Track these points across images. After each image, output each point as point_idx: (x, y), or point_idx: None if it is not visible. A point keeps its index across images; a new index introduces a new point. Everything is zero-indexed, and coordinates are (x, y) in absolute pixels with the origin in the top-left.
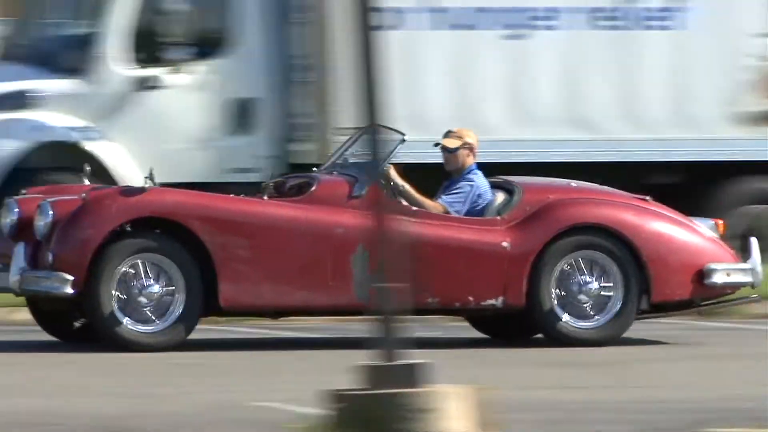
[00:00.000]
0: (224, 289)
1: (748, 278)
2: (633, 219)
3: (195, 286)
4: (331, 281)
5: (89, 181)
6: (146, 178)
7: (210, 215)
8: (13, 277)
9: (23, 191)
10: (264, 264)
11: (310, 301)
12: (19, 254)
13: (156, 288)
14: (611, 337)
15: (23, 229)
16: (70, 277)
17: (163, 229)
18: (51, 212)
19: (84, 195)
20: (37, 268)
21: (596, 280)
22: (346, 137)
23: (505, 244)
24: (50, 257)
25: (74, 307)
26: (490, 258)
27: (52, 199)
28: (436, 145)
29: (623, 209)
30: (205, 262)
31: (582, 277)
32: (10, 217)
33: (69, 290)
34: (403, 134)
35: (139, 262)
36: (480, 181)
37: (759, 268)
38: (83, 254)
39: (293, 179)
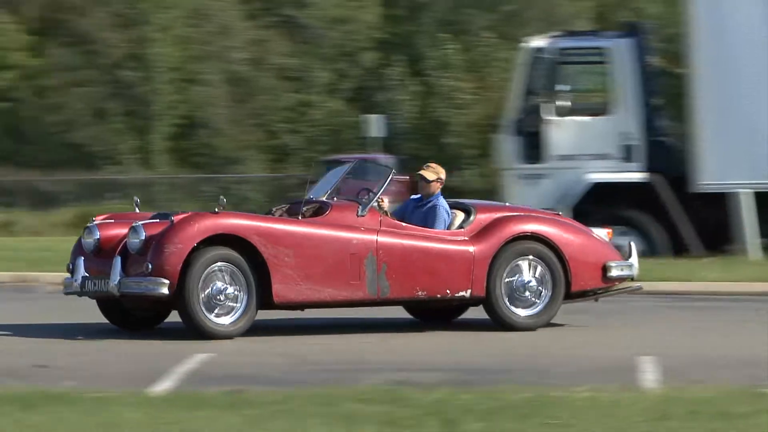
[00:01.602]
0: (276, 288)
1: (631, 272)
2: (555, 229)
3: (255, 286)
4: (351, 280)
5: (138, 209)
6: (218, 205)
7: (265, 232)
8: (112, 283)
9: (92, 219)
10: (303, 268)
11: (335, 296)
12: (117, 265)
13: (230, 289)
14: (545, 321)
15: (102, 247)
16: (167, 281)
17: (230, 243)
18: (143, 232)
19: (172, 219)
20: (129, 275)
21: (533, 277)
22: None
23: (471, 249)
24: (149, 266)
25: (162, 306)
26: (461, 261)
27: (142, 222)
28: (416, 173)
29: (548, 222)
30: (260, 268)
31: (523, 274)
32: (93, 238)
33: (165, 291)
34: (391, 168)
35: (215, 268)
36: (445, 204)
37: (637, 264)
38: (176, 263)
39: (303, 204)
